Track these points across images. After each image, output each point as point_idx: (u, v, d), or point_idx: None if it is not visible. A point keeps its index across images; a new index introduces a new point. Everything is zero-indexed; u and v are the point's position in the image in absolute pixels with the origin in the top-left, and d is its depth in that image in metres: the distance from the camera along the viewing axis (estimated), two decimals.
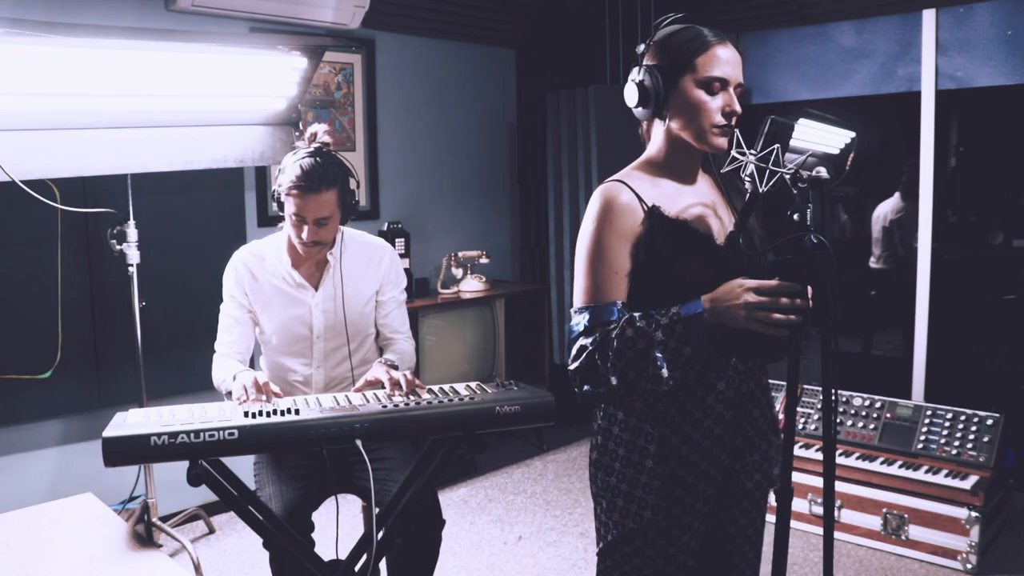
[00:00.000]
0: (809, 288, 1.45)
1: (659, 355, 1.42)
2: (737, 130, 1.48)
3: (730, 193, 1.65)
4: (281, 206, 2.18)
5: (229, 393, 2.06)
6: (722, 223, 1.60)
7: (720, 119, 1.50)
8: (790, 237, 1.37)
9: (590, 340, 1.48)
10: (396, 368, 2.11)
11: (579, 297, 1.54)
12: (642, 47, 1.58)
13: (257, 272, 2.26)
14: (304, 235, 2.13)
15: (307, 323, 2.27)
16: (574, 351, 1.51)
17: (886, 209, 4.62)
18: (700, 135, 1.52)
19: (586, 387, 1.51)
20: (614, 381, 1.45)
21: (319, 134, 2.20)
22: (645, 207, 1.52)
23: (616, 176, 1.58)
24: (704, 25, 1.55)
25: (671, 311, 1.44)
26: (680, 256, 1.51)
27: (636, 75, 1.56)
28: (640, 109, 1.57)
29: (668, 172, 1.59)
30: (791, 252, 1.37)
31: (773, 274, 1.40)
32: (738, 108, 1.51)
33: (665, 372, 1.42)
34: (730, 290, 1.40)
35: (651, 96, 1.53)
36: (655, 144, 1.61)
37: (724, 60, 1.51)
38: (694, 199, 1.58)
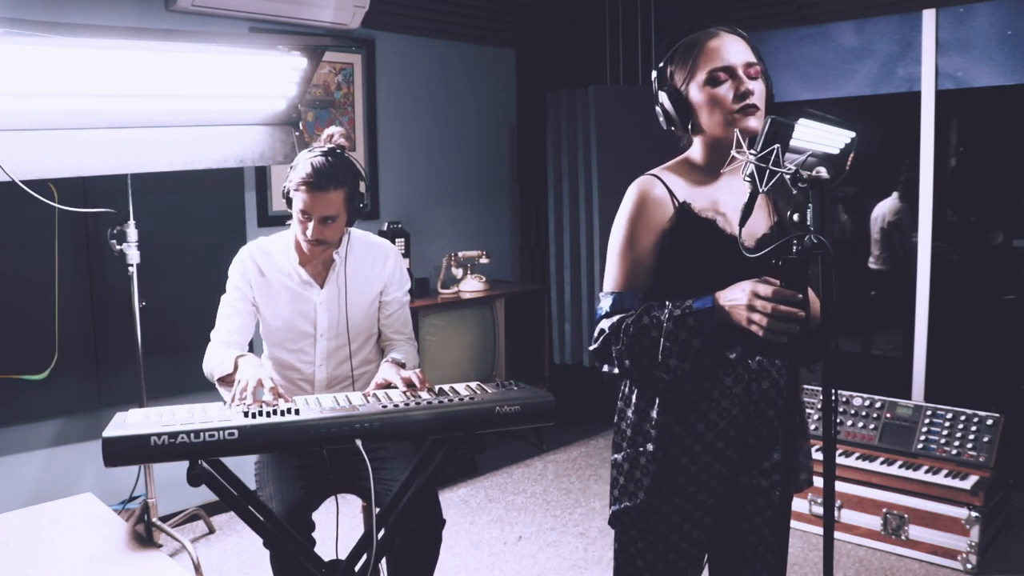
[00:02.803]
0: (816, 301, 1.45)
1: (668, 344, 1.48)
2: (737, 130, 1.48)
3: (775, 195, 1.66)
4: (290, 202, 2.18)
5: (222, 379, 2.06)
6: (757, 224, 1.61)
7: (734, 104, 1.53)
8: (790, 237, 1.37)
9: (608, 324, 1.56)
10: (403, 367, 2.11)
11: (607, 283, 1.62)
12: (655, 73, 1.63)
13: (264, 267, 2.26)
14: (309, 232, 2.14)
15: (311, 320, 2.27)
16: (595, 333, 1.60)
17: (884, 210, 4.63)
18: (721, 127, 1.55)
19: (605, 367, 1.60)
20: (627, 364, 1.54)
21: (335, 136, 2.22)
22: (676, 202, 1.57)
23: (653, 171, 1.64)
24: (707, 26, 1.59)
25: (684, 304, 1.49)
26: (703, 253, 1.56)
27: (657, 101, 1.63)
28: (673, 130, 1.64)
29: (705, 172, 1.63)
30: (790, 252, 1.37)
31: (778, 274, 1.40)
32: (749, 87, 1.53)
33: (673, 362, 1.48)
34: (737, 290, 1.44)
35: (674, 118, 1.60)
36: (695, 148, 1.66)
37: (719, 49, 1.54)
38: (726, 198, 1.61)
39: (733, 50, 1.55)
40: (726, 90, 1.53)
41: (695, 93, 1.56)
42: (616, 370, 1.57)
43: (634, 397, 1.65)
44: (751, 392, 1.60)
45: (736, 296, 1.44)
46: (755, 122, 1.53)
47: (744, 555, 1.67)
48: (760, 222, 1.62)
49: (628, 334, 1.52)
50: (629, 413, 1.66)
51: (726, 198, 1.61)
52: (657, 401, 1.60)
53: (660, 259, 1.58)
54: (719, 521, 1.67)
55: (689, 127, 1.61)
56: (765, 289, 1.40)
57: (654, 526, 1.61)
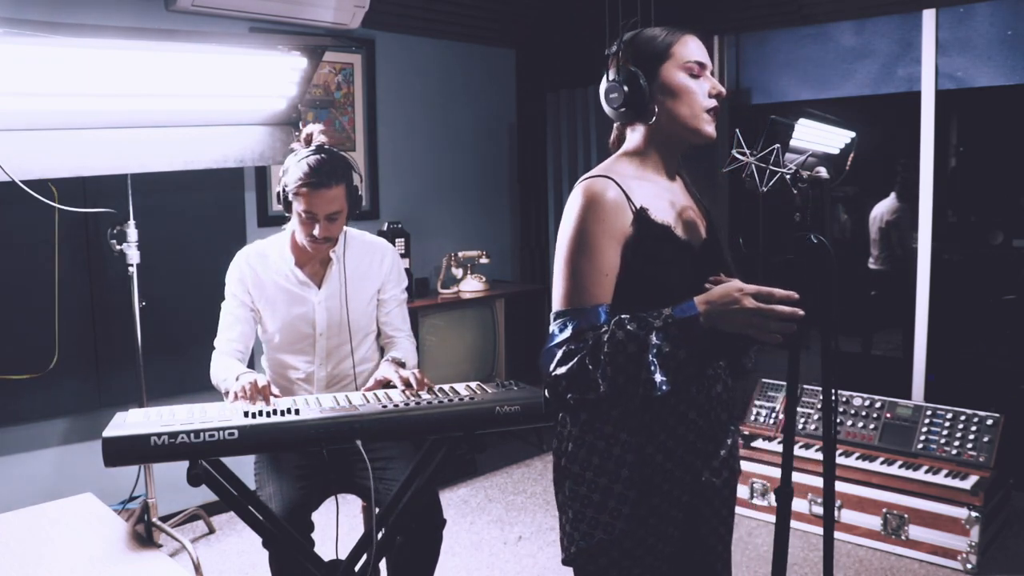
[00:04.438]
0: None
1: (652, 359, 1.35)
2: (738, 130, 1.48)
3: (701, 197, 1.65)
4: (287, 206, 2.19)
5: (228, 392, 2.06)
6: (696, 227, 1.57)
7: (709, 102, 1.49)
8: (790, 237, 1.37)
9: (579, 344, 1.40)
10: (403, 366, 2.12)
11: (562, 299, 1.45)
12: (612, 48, 1.54)
13: (261, 271, 2.27)
14: (316, 231, 2.15)
15: (310, 321, 2.27)
16: (559, 355, 1.41)
17: (882, 210, 4.63)
18: (691, 121, 1.49)
19: (569, 395, 1.43)
20: (603, 387, 1.37)
21: (315, 134, 2.23)
22: (634, 207, 1.46)
23: (599, 171, 1.51)
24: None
25: (664, 314, 1.37)
26: (664, 261, 1.48)
27: (614, 76, 1.50)
28: (622, 111, 1.51)
29: (649, 170, 1.55)
30: (790, 252, 1.37)
31: (774, 275, 1.40)
32: (723, 89, 1.51)
33: (658, 377, 1.35)
34: (727, 294, 1.35)
35: (635, 94, 1.48)
36: (633, 143, 1.56)
37: (698, 47, 1.52)
38: (673, 201, 1.55)
39: (703, 52, 1.53)
40: (699, 84, 1.50)
41: (670, 74, 1.48)
42: (590, 395, 1.39)
43: (597, 422, 1.51)
44: (711, 398, 1.55)
45: (727, 300, 1.34)
46: (714, 128, 1.50)
47: (707, 558, 1.63)
48: (698, 227, 1.57)
49: (603, 352, 1.36)
50: (590, 439, 1.51)
51: (675, 201, 1.55)
52: (626, 423, 1.49)
53: (622, 269, 1.44)
54: (684, 531, 1.59)
55: (641, 112, 1.50)
56: (762, 290, 1.34)
57: (629, 551, 1.49)
